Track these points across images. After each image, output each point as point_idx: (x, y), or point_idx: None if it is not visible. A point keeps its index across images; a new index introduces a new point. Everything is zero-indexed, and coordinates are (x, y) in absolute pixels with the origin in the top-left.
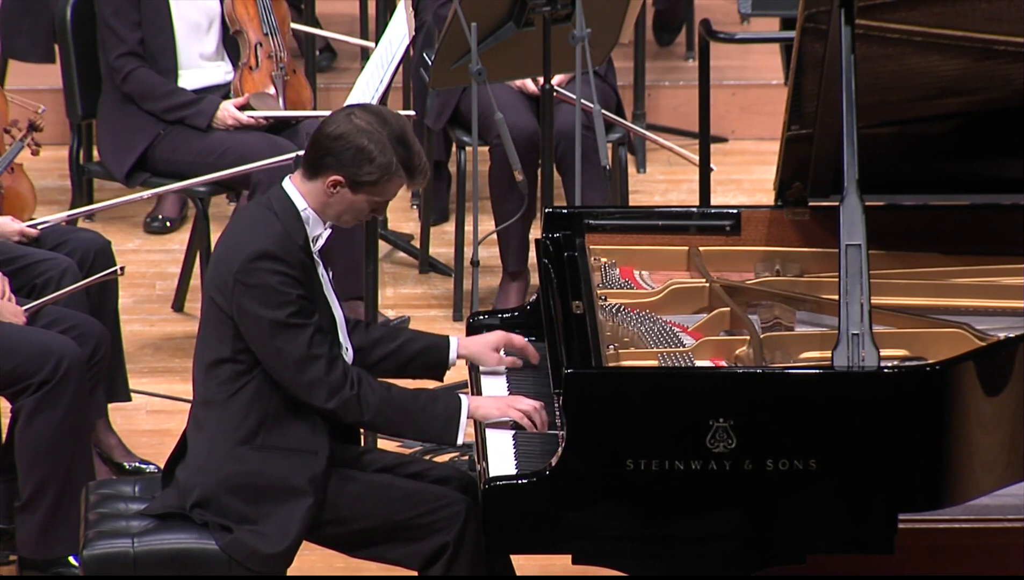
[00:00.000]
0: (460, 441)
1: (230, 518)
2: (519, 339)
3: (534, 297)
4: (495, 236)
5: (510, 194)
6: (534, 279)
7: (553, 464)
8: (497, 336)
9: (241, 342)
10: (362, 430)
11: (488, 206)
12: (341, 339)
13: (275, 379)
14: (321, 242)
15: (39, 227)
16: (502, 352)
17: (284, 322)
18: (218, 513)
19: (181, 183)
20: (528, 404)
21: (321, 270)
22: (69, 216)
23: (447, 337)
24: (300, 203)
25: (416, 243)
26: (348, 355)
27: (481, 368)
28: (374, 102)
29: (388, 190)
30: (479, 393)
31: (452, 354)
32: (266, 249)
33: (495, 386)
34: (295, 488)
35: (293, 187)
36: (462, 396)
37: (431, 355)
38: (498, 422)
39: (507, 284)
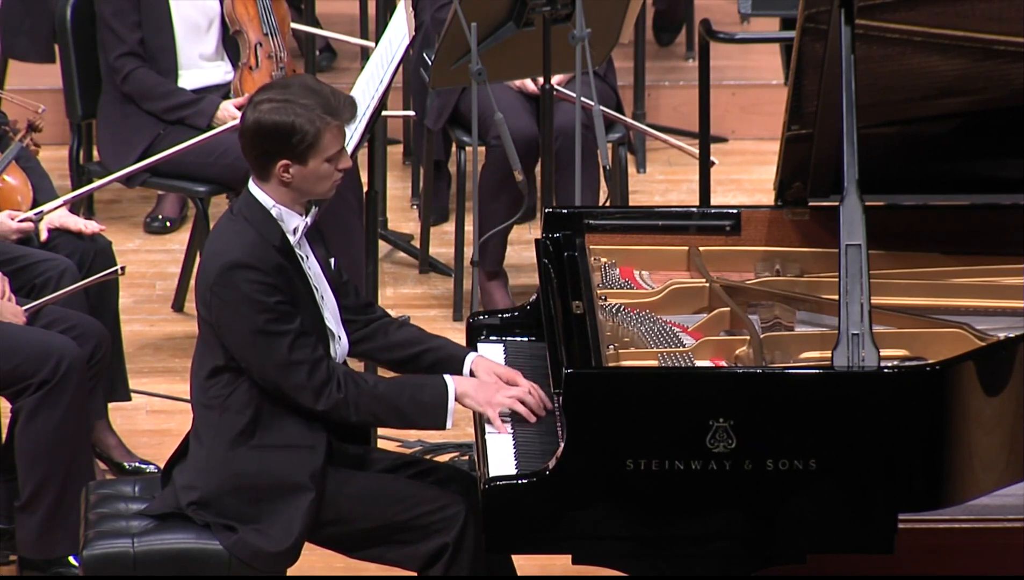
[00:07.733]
0: (450, 425)
1: (232, 518)
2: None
3: (534, 297)
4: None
5: (499, 197)
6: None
7: (553, 464)
8: (509, 373)
9: None
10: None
11: None
12: (332, 328)
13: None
14: (301, 232)
15: (36, 213)
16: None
17: (261, 330)
18: (220, 514)
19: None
20: (515, 393)
21: (308, 263)
22: (66, 200)
23: (465, 353)
24: (268, 202)
25: (416, 243)
26: (342, 344)
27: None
28: (374, 102)
29: (330, 142)
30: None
31: (465, 369)
32: (236, 259)
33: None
34: (296, 484)
35: (257, 188)
36: (448, 381)
37: (444, 366)
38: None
39: (485, 283)
